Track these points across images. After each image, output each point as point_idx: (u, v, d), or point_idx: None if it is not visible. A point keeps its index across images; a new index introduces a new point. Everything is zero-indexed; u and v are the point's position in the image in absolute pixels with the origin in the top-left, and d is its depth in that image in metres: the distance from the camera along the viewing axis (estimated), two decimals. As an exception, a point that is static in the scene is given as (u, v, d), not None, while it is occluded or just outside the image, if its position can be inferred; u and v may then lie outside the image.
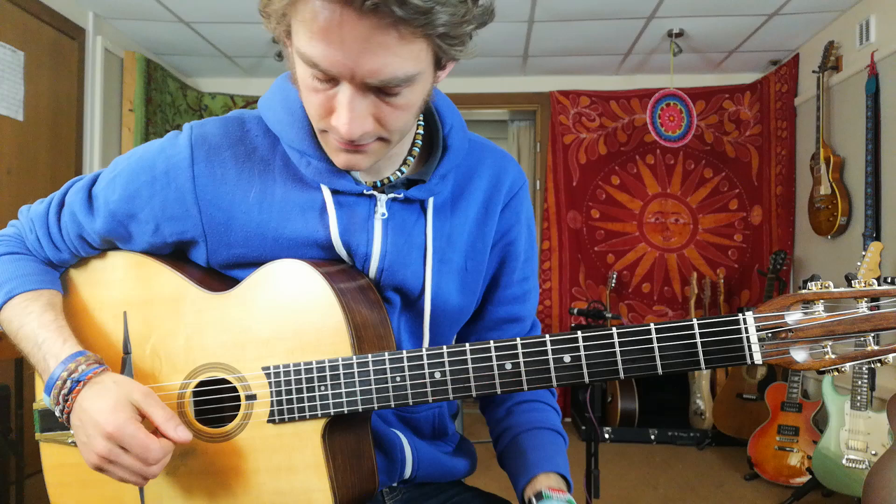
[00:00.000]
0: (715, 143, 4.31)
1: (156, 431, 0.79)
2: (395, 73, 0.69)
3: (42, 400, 0.92)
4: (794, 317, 0.62)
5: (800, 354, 0.61)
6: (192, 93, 4.34)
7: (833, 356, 0.61)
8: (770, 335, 0.62)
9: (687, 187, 4.35)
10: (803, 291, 0.62)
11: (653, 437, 3.79)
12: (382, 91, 0.71)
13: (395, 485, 0.96)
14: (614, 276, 4.23)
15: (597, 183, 4.39)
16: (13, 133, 2.91)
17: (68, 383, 0.80)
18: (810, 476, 2.70)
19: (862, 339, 0.59)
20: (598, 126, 4.38)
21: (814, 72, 3.44)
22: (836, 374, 0.62)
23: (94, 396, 0.79)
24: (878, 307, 0.59)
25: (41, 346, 0.85)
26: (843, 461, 2.51)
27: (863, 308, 0.60)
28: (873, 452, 2.45)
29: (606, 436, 3.81)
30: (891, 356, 0.59)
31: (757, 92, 4.23)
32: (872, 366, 0.58)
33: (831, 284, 0.61)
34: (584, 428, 3.44)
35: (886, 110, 2.96)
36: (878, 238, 2.94)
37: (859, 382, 2.54)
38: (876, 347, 0.59)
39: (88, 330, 0.92)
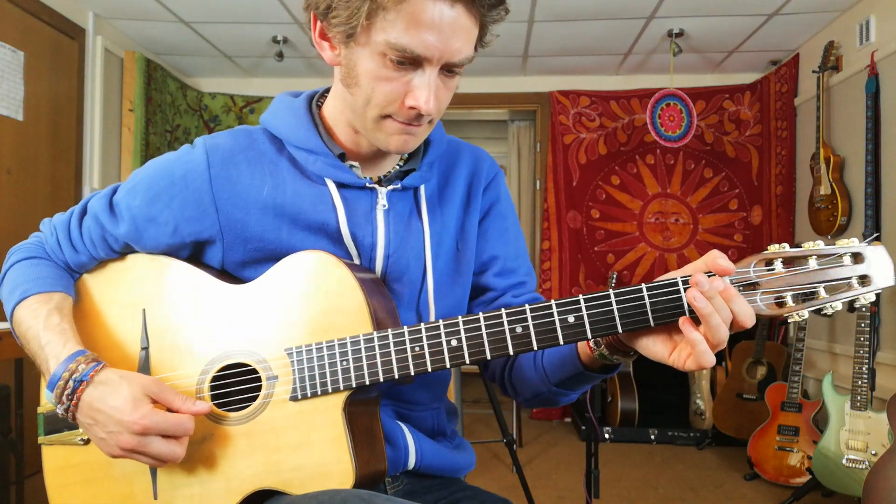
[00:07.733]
0: (715, 143, 4.31)
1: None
2: (468, 53, 0.84)
3: (45, 399, 0.94)
4: (758, 273, 0.74)
5: (764, 303, 0.74)
6: (192, 93, 4.34)
7: (792, 304, 0.73)
8: (741, 288, 0.74)
9: (687, 187, 4.35)
10: (765, 252, 0.74)
11: (653, 437, 3.79)
12: (449, 72, 0.85)
13: (397, 475, 0.98)
14: (614, 276, 4.23)
15: (597, 183, 4.39)
16: (13, 133, 2.91)
17: (71, 383, 0.83)
18: (810, 476, 2.70)
19: (815, 288, 0.72)
20: (598, 126, 4.38)
21: (814, 72, 3.44)
22: (797, 318, 0.73)
23: (106, 395, 0.82)
24: (828, 264, 0.72)
25: (44, 347, 0.88)
26: (843, 461, 2.51)
27: (813, 264, 0.72)
28: (873, 452, 2.45)
29: (606, 436, 3.81)
30: (838, 303, 0.72)
31: (757, 92, 4.23)
32: (826, 312, 0.72)
33: (787, 245, 0.74)
34: (584, 428, 3.44)
35: (886, 110, 2.96)
36: (878, 238, 2.94)
37: (859, 382, 2.54)
38: (826, 296, 0.72)
39: (106, 329, 0.95)
